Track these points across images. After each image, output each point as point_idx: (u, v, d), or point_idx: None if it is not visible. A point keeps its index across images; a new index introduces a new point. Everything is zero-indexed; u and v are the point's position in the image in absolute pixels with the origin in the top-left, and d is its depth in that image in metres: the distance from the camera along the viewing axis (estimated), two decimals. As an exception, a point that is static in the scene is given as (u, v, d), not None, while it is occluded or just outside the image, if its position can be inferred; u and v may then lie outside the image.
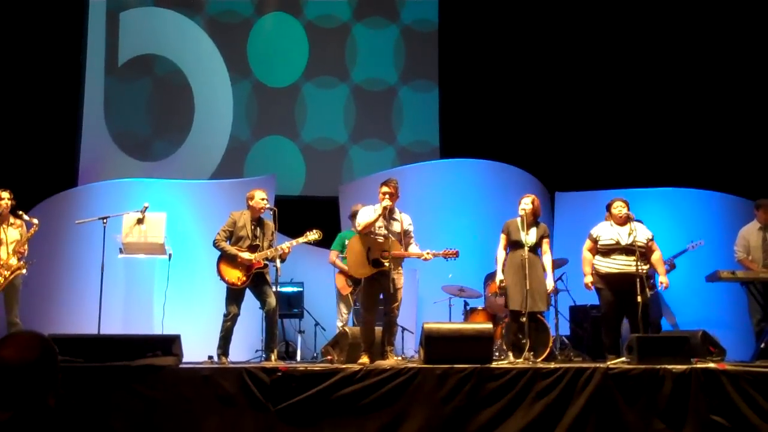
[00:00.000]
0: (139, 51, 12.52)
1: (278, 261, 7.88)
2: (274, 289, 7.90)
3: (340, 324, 9.06)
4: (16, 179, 10.38)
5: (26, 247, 8.18)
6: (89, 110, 12.20)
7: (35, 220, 8.22)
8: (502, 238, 8.14)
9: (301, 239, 8.05)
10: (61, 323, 9.30)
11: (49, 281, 9.59)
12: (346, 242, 8.72)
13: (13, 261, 8.04)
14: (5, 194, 8.17)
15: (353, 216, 9.45)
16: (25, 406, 2.36)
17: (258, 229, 8.01)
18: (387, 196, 7.51)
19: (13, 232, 8.20)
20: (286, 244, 7.94)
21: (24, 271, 8.09)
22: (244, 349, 9.06)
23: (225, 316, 7.82)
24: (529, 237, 7.95)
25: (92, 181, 11.11)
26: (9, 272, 7.99)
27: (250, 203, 8.05)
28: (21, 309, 8.14)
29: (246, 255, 7.82)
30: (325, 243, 9.54)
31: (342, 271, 9.15)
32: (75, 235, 9.60)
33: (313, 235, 8.06)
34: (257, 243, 7.93)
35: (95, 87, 12.29)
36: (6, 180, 10.21)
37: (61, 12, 12.19)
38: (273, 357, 7.60)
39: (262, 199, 8.02)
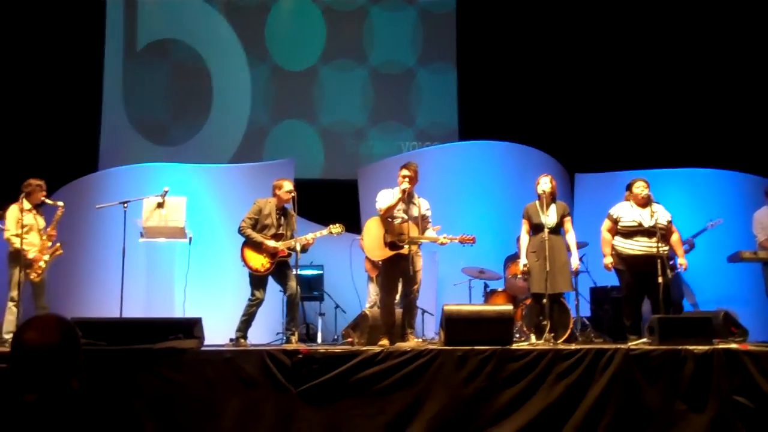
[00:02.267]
0: (157, 36, 12.57)
1: (299, 250, 7.91)
2: (294, 272, 7.93)
3: (368, 305, 9.09)
4: (38, 164, 10.48)
5: (56, 230, 8.39)
6: (109, 95, 12.28)
7: (60, 203, 8.39)
8: (524, 223, 8.10)
9: (324, 231, 8.05)
10: (83, 307, 9.38)
11: (70, 266, 9.65)
12: None
13: (48, 246, 8.29)
14: (40, 182, 8.38)
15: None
16: (50, 388, 2.38)
17: (282, 218, 8.03)
18: (406, 179, 7.51)
19: (42, 220, 8.41)
20: (310, 236, 7.95)
21: (61, 251, 8.36)
22: (265, 331, 9.10)
23: (250, 300, 7.86)
24: (549, 218, 7.92)
25: (112, 165, 11.16)
26: (49, 256, 8.26)
27: (277, 192, 8.04)
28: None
29: (272, 243, 7.84)
30: (344, 226, 9.56)
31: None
32: (96, 220, 9.65)
33: (336, 228, 8.07)
34: (281, 232, 7.95)
35: (115, 72, 12.36)
36: (28, 165, 10.30)
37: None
38: (294, 340, 7.64)
39: (289, 191, 8.02)
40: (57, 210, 8.39)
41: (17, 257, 8.10)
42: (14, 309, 7.99)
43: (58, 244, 8.39)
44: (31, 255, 8.15)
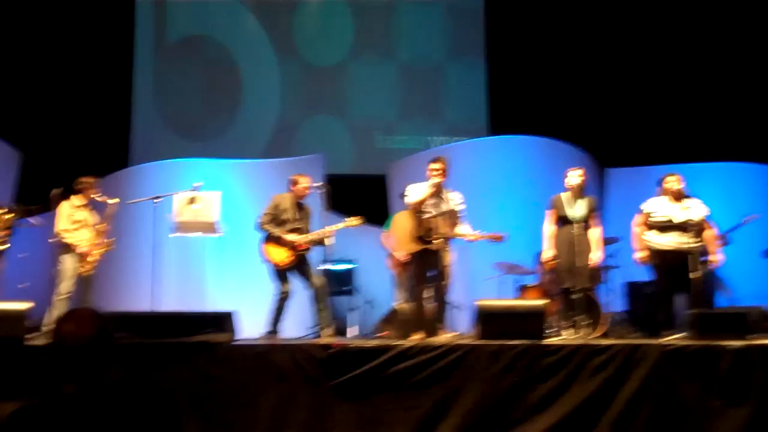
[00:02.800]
0: (187, 32, 12.65)
1: (326, 241, 7.93)
2: (324, 266, 7.95)
3: (396, 303, 9.09)
4: (71, 161, 10.60)
5: (108, 226, 8.56)
6: (140, 91, 12.39)
7: (111, 200, 8.57)
8: (549, 213, 8.04)
9: (341, 225, 8.07)
10: (116, 301, 9.46)
11: (103, 260, 9.72)
12: None
13: (99, 240, 8.47)
14: (92, 180, 8.59)
15: (403, 195, 9.45)
16: (88, 380, 2.41)
17: (299, 212, 8.05)
18: (436, 173, 7.48)
19: (91, 217, 8.58)
20: (329, 228, 7.97)
21: (112, 247, 8.56)
22: (298, 325, 9.11)
23: (277, 294, 7.88)
24: (578, 211, 7.86)
25: (143, 161, 11.25)
26: (99, 251, 8.43)
27: (293, 187, 8.08)
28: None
29: (291, 236, 7.85)
30: (375, 220, 9.56)
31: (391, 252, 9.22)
32: (127, 215, 9.71)
33: (353, 221, 8.09)
34: (299, 226, 7.97)
35: (145, 68, 12.46)
36: (61, 161, 10.42)
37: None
38: (325, 334, 7.64)
39: (306, 187, 8.05)
40: (108, 206, 8.57)
41: (68, 251, 8.31)
42: (62, 304, 8.13)
43: (109, 240, 8.54)
44: (81, 249, 8.32)
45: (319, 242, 8.05)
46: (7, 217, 8.33)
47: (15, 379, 5.86)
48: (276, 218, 7.99)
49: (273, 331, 7.79)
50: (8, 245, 8.34)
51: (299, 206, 8.10)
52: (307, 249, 7.95)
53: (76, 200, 8.51)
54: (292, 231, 7.93)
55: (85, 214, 8.52)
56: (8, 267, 9.68)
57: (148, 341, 6.30)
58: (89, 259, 8.38)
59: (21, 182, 10.51)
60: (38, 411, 2.38)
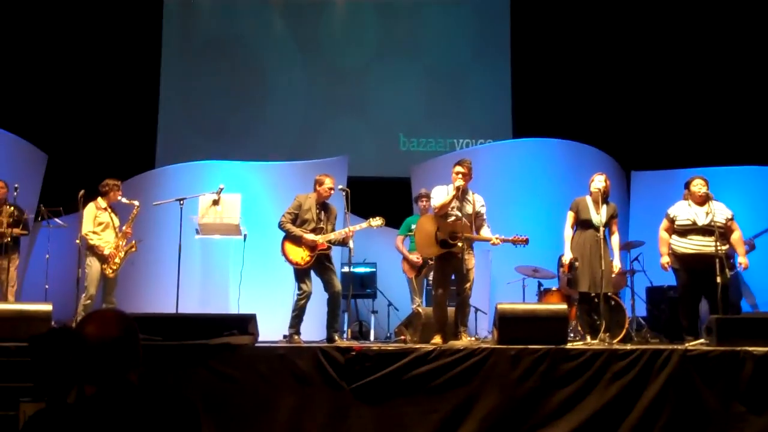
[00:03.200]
0: (213, 34, 12.73)
1: (350, 242, 7.96)
2: (346, 269, 7.95)
3: (414, 306, 9.08)
4: (97, 162, 10.70)
5: (131, 228, 8.72)
6: (166, 94, 12.46)
7: (136, 202, 8.72)
8: (570, 215, 8.00)
9: (363, 224, 8.07)
10: (140, 302, 9.53)
11: (127, 262, 9.80)
12: (412, 227, 8.77)
13: (123, 243, 8.64)
14: (116, 182, 8.76)
15: (418, 199, 9.46)
16: (109, 382, 2.42)
17: (322, 212, 8.06)
18: (460, 175, 7.48)
19: (116, 219, 8.74)
20: (350, 228, 7.98)
21: (134, 249, 8.71)
22: (319, 328, 9.12)
23: (298, 294, 7.90)
24: (600, 217, 7.81)
25: (169, 163, 11.32)
26: (124, 253, 8.60)
27: (318, 188, 8.08)
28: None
29: (311, 236, 7.88)
30: (397, 223, 9.56)
31: (405, 257, 9.21)
32: (153, 217, 9.78)
33: (376, 221, 8.10)
34: (321, 226, 7.98)
35: (172, 70, 12.55)
36: (87, 163, 10.53)
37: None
38: (337, 338, 7.68)
39: (330, 188, 8.06)
40: (132, 209, 8.70)
41: (94, 253, 8.47)
42: (88, 306, 8.27)
43: (134, 242, 8.70)
44: (106, 251, 8.49)
45: (342, 243, 8.06)
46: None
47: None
48: (298, 218, 8.02)
49: (295, 333, 7.81)
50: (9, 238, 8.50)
51: (323, 206, 8.12)
52: (328, 249, 7.96)
53: (101, 202, 8.66)
54: (314, 230, 7.96)
55: (110, 217, 8.66)
56: (33, 268, 9.83)
57: (169, 343, 6.35)
58: (114, 261, 8.52)
59: (47, 184, 10.62)
60: (58, 412, 2.40)
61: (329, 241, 7.94)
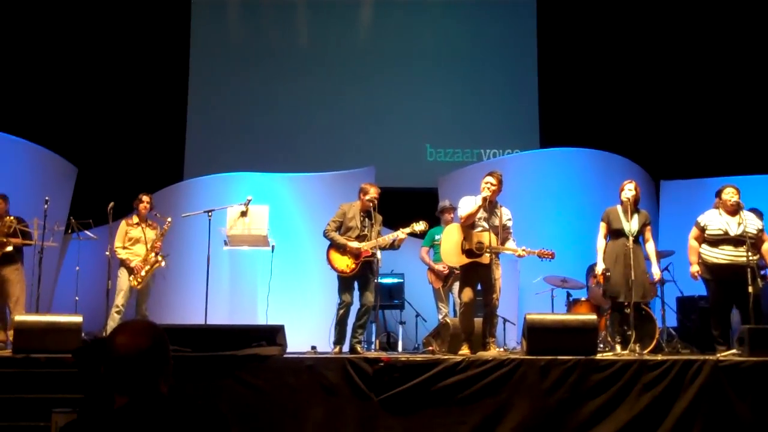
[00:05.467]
0: (241, 46, 12.79)
1: (380, 251, 7.96)
2: (375, 282, 7.95)
3: (440, 317, 9.06)
4: (127, 175, 10.79)
5: (161, 243, 8.93)
6: (194, 106, 12.54)
7: (168, 219, 8.95)
8: (602, 226, 7.94)
9: (407, 230, 8.05)
10: (169, 313, 9.60)
11: (157, 274, 9.86)
12: (436, 238, 8.75)
13: (152, 257, 8.82)
14: (145, 198, 8.96)
15: (442, 212, 9.45)
16: (140, 393, 2.43)
17: (366, 219, 8.08)
18: (489, 185, 7.44)
19: (150, 233, 8.94)
20: (395, 234, 7.97)
21: (163, 264, 8.88)
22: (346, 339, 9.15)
23: (339, 304, 7.94)
24: (632, 225, 7.75)
25: (197, 175, 11.39)
26: (150, 266, 8.76)
27: (363, 197, 8.09)
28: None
29: (354, 244, 7.89)
30: (425, 234, 9.53)
31: (430, 267, 9.20)
32: (182, 229, 9.85)
33: (420, 225, 8.08)
34: (365, 233, 7.99)
35: (200, 81, 12.64)
36: (117, 176, 10.62)
37: (167, 10, 12.57)
38: (359, 348, 7.70)
39: (375, 197, 8.06)
40: (165, 224, 8.93)
41: (123, 266, 8.75)
42: (116, 316, 8.47)
43: (161, 256, 8.86)
44: (132, 264, 8.70)
45: (389, 247, 8.07)
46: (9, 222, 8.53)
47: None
48: (342, 226, 8.06)
49: (336, 343, 7.85)
50: (10, 248, 8.48)
51: (367, 214, 8.14)
52: (373, 255, 7.96)
53: (134, 218, 8.93)
54: (358, 238, 7.98)
55: (142, 231, 8.86)
56: (63, 280, 9.92)
57: (197, 354, 6.38)
58: (140, 273, 8.68)
59: (76, 196, 10.72)
60: (90, 423, 2.41)
61: (374, 247, 7.94)
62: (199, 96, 12.64)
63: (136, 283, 8.66)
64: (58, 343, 6.52)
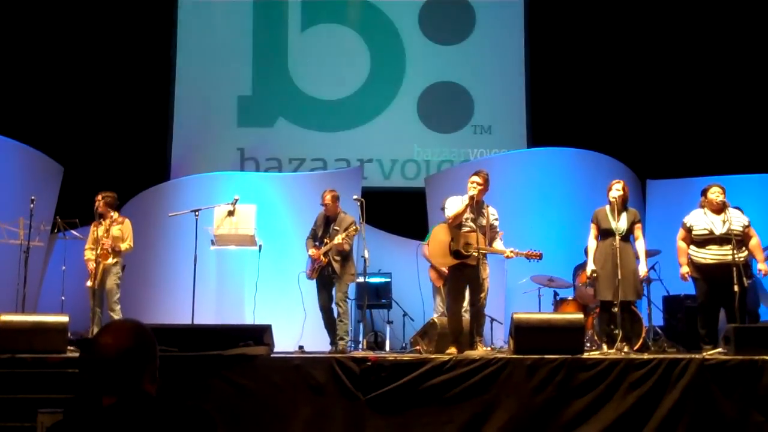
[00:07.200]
0: (227, 43, 12.69)
1: (366, 252, 8.04)
2: (361, 279, 8.04)
3: (435, 315, 9.07)
4: (112, 175, 10.74)
5: (107, 239, 8.57)
6: (179, 105, 12.45)
7: (112, 213, 8.74)
8: (592, 227, 7.96)
9: (342, 234, 8.04)
10: (155, 313, 9.56)
11: (143, 273, 9.86)
12: None
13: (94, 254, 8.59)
14: (98, 196, 8.72)
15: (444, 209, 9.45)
16: (126, 393, 2.42)
17: (327, 225, 8.18)
18: (475, 184, 7.44)
19: (114, 230, 8.68)
20: (338, 238, 8.03)
21: (110, 260, 8.55)
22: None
23: None
24: (620, 224, 7.77)
25: (184, 174, 11.35)
26: (96, 265, 8.50)
27: (321, 204, 8.37)
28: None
29: (311, 251, 8.21)
30: (412, 234, 9.55)
31: (432, 265, 9.21)
32: (168, 228, 9.82)
33: (353, 228, 8.16)
34: (326, 240, 8.10)
35: (185, 81, 12.54)
36: (102, 176, 10.56)
37: (150, 8, 12.52)
38: (341, 345, 7.96)
39: (327, 203, 8.29)
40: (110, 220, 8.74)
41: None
42: (95, 318, 8.47)
43: (111, 253, 8.61)
44: (90, 265, 8.61)
45: (340, 251, 8.12)
46: None
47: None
48: (315, 234, 8.26)
49: (331, 343, 8.11)
50: None
51: (328, 220, 8.32)
52: (327, 263, 8.05)
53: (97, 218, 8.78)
54: (320, 244, 8.22)
55: (100, 231, 8.67)
56: (50, 279, 9.87)
57: (184, 354, 6.36)
58: (93, 273, 8.55)
59: (63, 196, 10.66)
60: (77, 423, 2.40)
61: (323, 253, 8.12)
62: (183, 93, 12.53)
63: (90, 284, 8.52)
64: (44, 343, 6.49)
